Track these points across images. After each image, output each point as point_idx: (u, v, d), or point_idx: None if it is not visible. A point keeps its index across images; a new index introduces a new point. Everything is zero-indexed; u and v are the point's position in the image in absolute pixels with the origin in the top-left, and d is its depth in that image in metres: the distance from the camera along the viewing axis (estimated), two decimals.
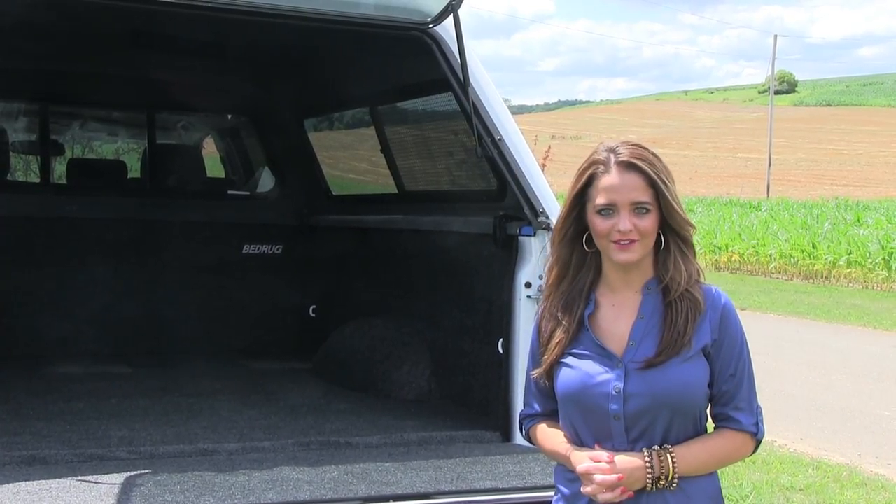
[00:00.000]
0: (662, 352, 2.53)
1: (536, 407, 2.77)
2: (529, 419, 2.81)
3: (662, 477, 2.51)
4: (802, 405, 9.85)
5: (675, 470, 2.51)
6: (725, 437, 2.60)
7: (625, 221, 2.53)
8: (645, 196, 2.55)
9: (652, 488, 2.52)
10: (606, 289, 2.66)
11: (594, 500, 2.54)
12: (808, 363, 12.27)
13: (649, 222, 2.55)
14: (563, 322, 2.62)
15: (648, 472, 2.50)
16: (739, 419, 2.59)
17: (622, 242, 2.54)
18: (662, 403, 2.53)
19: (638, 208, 2.55)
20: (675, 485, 2.52)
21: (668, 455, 2.51)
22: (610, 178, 2.57)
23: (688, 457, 2.53)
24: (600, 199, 2.57)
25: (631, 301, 2.62)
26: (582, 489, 2.55)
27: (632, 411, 2.53)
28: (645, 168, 2.56)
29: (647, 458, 2.51)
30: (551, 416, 2.74)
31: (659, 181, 2.56)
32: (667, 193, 2.56)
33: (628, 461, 2.51)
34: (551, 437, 2.71)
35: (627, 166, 2.56)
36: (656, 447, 2.53)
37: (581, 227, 2.65)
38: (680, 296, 2.56)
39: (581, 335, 2.62)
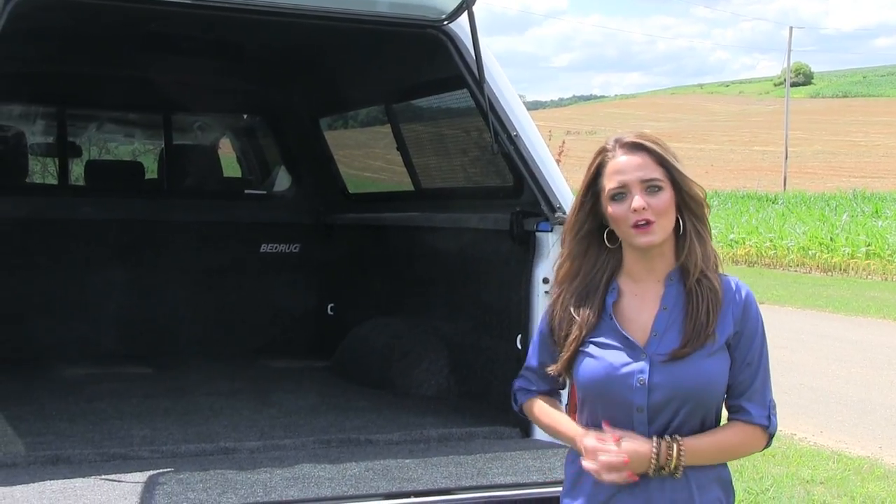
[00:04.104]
0: (687, 343, 2.52)
1: (536, 385, 2.77)
2: (525, 392, 2.81)
3: (666, 466, 2.51)
4: (822, 398, 9.82)
5: (681, 460, 2.51)
6: (736, 430, 2.59)
7: (637, 199, 2.53)
8: (655, 173, 2.56)
9: (654, 475, 2.52)
10: (628, 279, 2.65)
11: (599, 480, 2.54)
12: (826, 356, 12.22)
13: (663, 200, 2.55)
14: (581, 312, 2.61)
15: (653, 459, 2.50)
16: (751, 411, 2.58)
17: (640, 224, 2.53)
18: (686, 396, 2.53)
19: (650, 187, 2.55)
20: (678, 474, 2.52)
21: (676, 445, 2.51)
22: (616, 161, 2.58)
23: (696, 448, 2.53)
24: (611, 184, 2.58)
25: (654, 291, 2.62)
26: (583, 464, 2.54)
27: (655, 403, 2.54)
28: (650, 146, 2.58)
29: (654, 446, 2.51)
30: (549, 394, 2.76)
31: (667, 157, 2.57)
32: (677, 167, 2.57)
33: (635, 445, 2.51)
34: (552, 413, 2.73)
35: (632, 147, 2.59)
36: (667, 436, 2.53)
37: (598, 223, 2.65)
38: (698, 282, 2.56)
39: (603, 324, 2.61)
